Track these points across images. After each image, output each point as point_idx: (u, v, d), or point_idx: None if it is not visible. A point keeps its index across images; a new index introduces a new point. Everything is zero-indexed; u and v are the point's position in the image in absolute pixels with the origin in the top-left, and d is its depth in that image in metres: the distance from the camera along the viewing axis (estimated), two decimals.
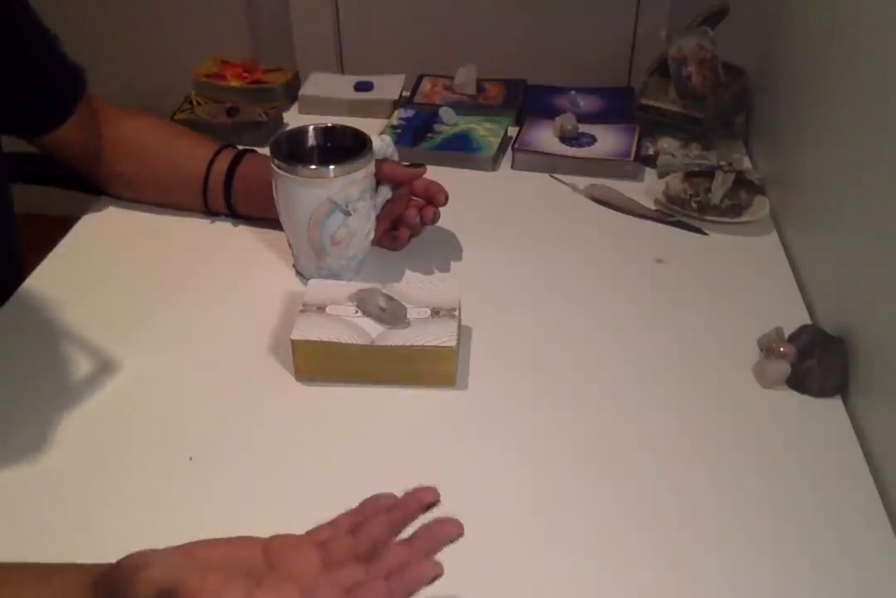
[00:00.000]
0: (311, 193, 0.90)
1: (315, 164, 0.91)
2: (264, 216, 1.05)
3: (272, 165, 0.91)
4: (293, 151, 0.94)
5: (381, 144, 0.95)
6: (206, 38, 2.24)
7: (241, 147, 1.08)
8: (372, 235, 0.98)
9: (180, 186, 1.07)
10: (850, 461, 0.77)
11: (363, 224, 0.94)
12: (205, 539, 0.56)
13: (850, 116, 0.92)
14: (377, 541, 0.53)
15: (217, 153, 1.05)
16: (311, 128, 0.98)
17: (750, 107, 1.31)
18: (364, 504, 0.56)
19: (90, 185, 1.13)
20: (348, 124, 0.99)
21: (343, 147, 0.94)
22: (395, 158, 0.99)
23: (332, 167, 0.89)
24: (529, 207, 1.16)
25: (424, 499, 0.54)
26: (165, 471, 0.76)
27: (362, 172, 0.91)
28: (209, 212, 1.09)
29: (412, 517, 0.54)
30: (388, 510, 0.54)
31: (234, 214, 1.08)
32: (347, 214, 0.91)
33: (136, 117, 1.10)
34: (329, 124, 0.98)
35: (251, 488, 0.75)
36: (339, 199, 0.90)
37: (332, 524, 0.55)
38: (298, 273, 1.00)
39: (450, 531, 0.52)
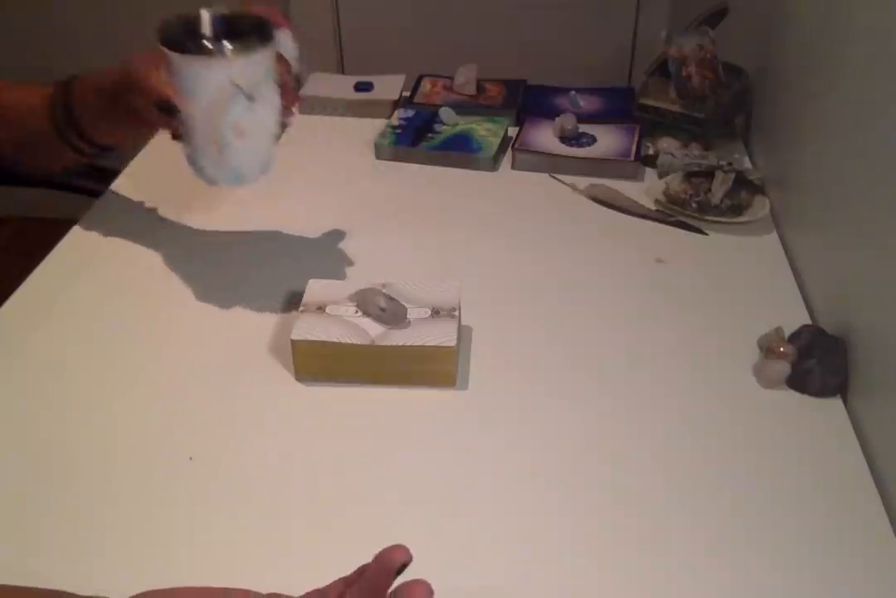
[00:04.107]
0: (208, 75, 0.81)
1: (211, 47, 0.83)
2: (123, 133, 0.98)
3: (162, 50, 0.82)
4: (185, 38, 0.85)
5: (284, 35, 0.88)
6: None
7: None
8: (279, 131, 0.89)
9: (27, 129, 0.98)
10: (850, 461, 0.77)
11: (269, 113, 0.86)
12: (195, 587, 0.55)
13: (850, 115, 0.92)
14: None
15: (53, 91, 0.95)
16: (203, 13, 0.86)
17: (750, 107, 1.31)
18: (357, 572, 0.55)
19: None
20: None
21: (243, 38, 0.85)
22: (296, 54, 0.90)
23: (230, 45, 0.81)
24: (529, 207, 1.16)
25: (396, 559, 0.52)
26: (165, 471, 0.76)
27: (265, 54, 0.83)
28: (67, 148, 0.97)
29: (388, 583, 0.52)
30: (367, 575, 0.53)
31: (93, 143, 0.97)
32: (251, 98, 0.82)
33: None
34: (225, 12, 0.87)
35: (251, 488, 0.75)
36: (241, 81, 0.81)
37: (321, 592, 0.55)
38: (199, 176, 0.91)
39: (420, 591, 0.50)
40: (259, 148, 0.88)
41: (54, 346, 0.90)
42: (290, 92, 0.89)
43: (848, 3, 0.94)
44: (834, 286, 0.93)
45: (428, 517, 0.72)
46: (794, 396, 0.84)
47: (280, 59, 0.87)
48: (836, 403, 0.83)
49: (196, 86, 0.82)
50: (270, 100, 0.85)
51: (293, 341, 0.83)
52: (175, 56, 0.81)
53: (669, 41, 1.22)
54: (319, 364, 0.85)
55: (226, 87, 0.81)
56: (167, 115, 0.84)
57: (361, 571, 0.54)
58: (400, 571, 0.52)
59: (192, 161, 0.89)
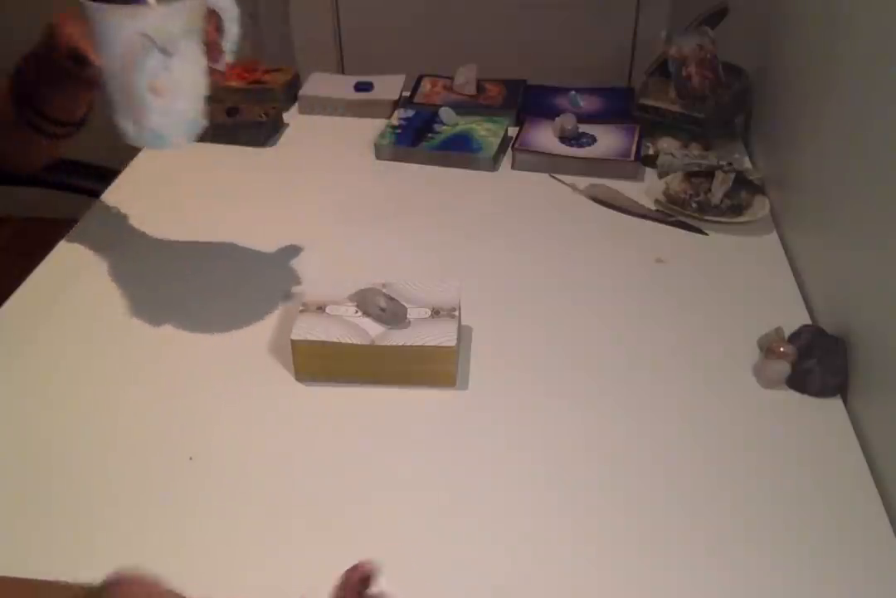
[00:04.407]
0: (121, 25, 0.75)
1: None
2: (74, 101, 0.92)
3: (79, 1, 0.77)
4: None
5: None
6: None
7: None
8: (204, 91, 0.82)
9: None
10: (850, 461, 0.77)
11: (191, 71, 0.80)
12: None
13: (849, 115, 0.92)
14: None
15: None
16: None
17: (750, 107, 1.31)
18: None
19: None
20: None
21: None
22: (233, 13, 0.83)
23: None
24: (529, 207, 1.16)
25: (356, 577, 0.54)
26: (165, 471, 0.76)
27: (185, 5, 0.77)
28: (34, 132, 0.93)
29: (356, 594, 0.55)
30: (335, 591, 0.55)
31: (55, 121, 0.93)
32: (165, 53, 0.76)
33: None
34: None
35: (251, 488, 0.75)
36: (155, 34, 0.75)
37: None
38: (123, 137, 0.84)
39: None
40: (181, 109, 0.81)
41: (54, 346, 0.90)
42: (217, 51, 0.83)
43: (848, 3, 0.95)
44: (834, 286, 0.93)
45: (428, 516, 0.72)
46: (794, 396, 0.84)
47: (212, 15, 0.81)
48: (836, 403, 0.83)
49: (106, 37, 0.76)
50: (192, 57, 0.79)
51: (293, 341, 0.83)
52: (85, 4, 0.76)
53: (669, 41, 1.22)
54: (319, 364, 0.85)
55: (136, 39, 0.75)
56: (80, 69, 0.79)
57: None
58: (366, 584, 0.53)
59: (116, 120, 0.82)
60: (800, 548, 0.69)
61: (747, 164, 1.24)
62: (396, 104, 1.39)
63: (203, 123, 0.84)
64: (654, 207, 1.14)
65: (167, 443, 0.79)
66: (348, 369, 0.85)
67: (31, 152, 1.01)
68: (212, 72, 0.82)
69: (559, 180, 1.21)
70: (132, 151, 1.27)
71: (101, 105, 0.92)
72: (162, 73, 0.77)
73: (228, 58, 0.84)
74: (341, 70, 2.27)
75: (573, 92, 1.39)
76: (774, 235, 1.09)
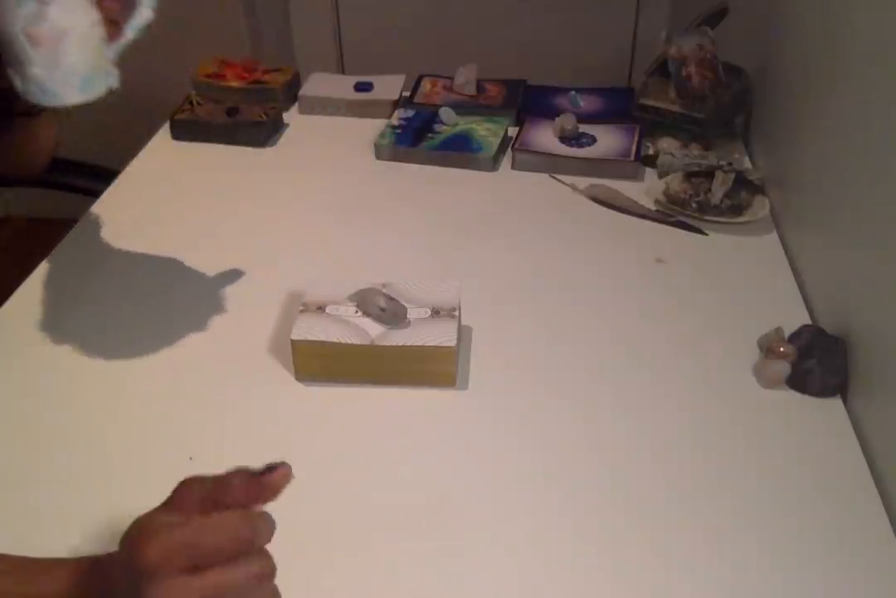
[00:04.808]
0: None
1: None
2: None
3: None
4: None
5: None
6: (206, 38, 2.24)
7: None
8: (98, 43, 0.74)
9: None
10: (850, 461, 0.77)
11: (74, 20, 0.72)
12: None
13: (849, 115, 0.92)
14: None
15: None
16: None
17: (750, 107, 1.31)
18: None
19: None
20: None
21: None
22: None
23: None
24: (529, 207, 1.16)
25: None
26: (165, 471, 0.76)
27: None
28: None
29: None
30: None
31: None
32: (41, 1, 0.69)
33: None
34: None
35: None
36: None
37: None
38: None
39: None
40: (70, 62, 0.73)
41: (54, 346, 0.90)
42: (113, 1, 0.73)
43: (847, 3, 0.94)
44: (834, 286, 0.93)
45: (427, 516, 0.72)
46: (794, 396, 0.84)
47: None
48: (836, 403, 0.83)
49: None
50: (76, 5, 0.72)
51: (293, 341, 0.83)
52: None
53: (669, 41, 1.22)
54: (319, 364, 0.85)
55: None
56: None
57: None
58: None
59: (7, 71, 0.75)
60: (800, 548, 0.69)
61: (747, 164, 1.24)
62: (396, 104, 1.39)
63: (108, 81, 0.76)
64: (654, 207, 1.14)
65: (167, 443, 0.79)
66: (348, 369, 0.85)
67: (22, 143, 0.97)
68: (110, 26, 0.74)
69: (559, 180, 1.21)
70: (132, 151, 1.27)
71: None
72: (40, 22, 0.70)
73: (143, 13, 0.75)
74: (341, 70, 2.27)
75: (573, 92, 1.39)
76: (774, 235, 1.09)
